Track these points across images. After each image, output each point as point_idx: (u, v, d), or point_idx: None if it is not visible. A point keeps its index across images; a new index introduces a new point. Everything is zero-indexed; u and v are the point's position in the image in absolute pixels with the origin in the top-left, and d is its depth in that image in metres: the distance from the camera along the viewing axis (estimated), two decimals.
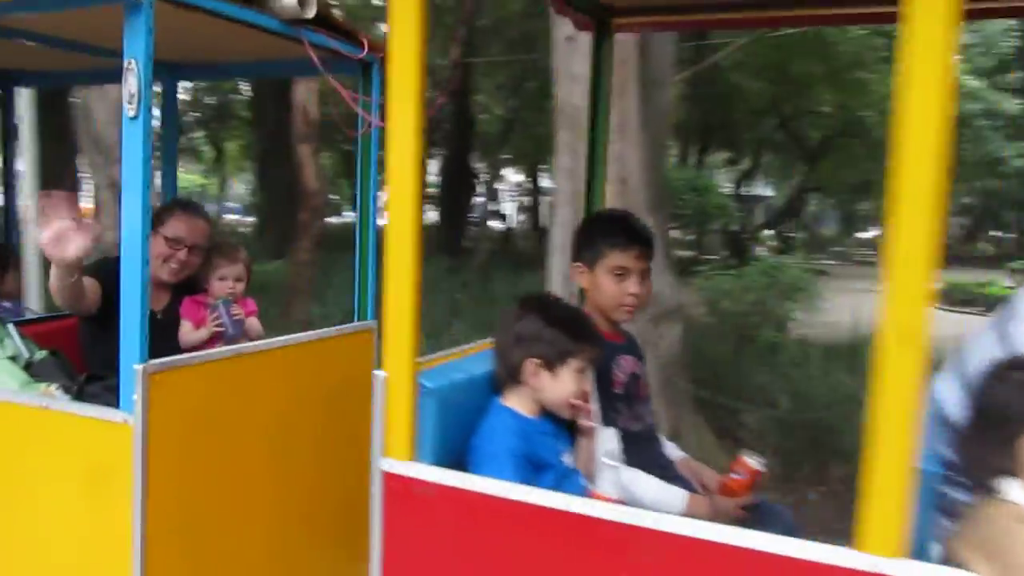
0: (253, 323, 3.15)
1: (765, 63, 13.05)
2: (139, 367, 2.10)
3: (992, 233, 34.80)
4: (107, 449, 2.16)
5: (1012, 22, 16.89)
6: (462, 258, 14.85)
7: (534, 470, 1.92)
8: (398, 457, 1.73)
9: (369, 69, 2.94)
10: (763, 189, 31.92)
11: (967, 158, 19.15)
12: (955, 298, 15.44)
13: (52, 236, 2.33)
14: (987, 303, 14.00)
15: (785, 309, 6.50)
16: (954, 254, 27.67)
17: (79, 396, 2.63)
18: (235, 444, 2.48)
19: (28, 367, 2.84)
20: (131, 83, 2.00)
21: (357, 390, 2.92)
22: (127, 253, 2.10)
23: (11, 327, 2.98)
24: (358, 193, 3.10)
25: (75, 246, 2.36)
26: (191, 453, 2.31)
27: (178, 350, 2.91)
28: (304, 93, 8.02)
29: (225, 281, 3.10)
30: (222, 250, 3.16)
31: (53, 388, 2.67)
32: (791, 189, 23.78)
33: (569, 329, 2.03)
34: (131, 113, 2.02)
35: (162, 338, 2.82)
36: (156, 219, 2.98)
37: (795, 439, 4.91)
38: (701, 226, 14.73)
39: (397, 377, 1.72)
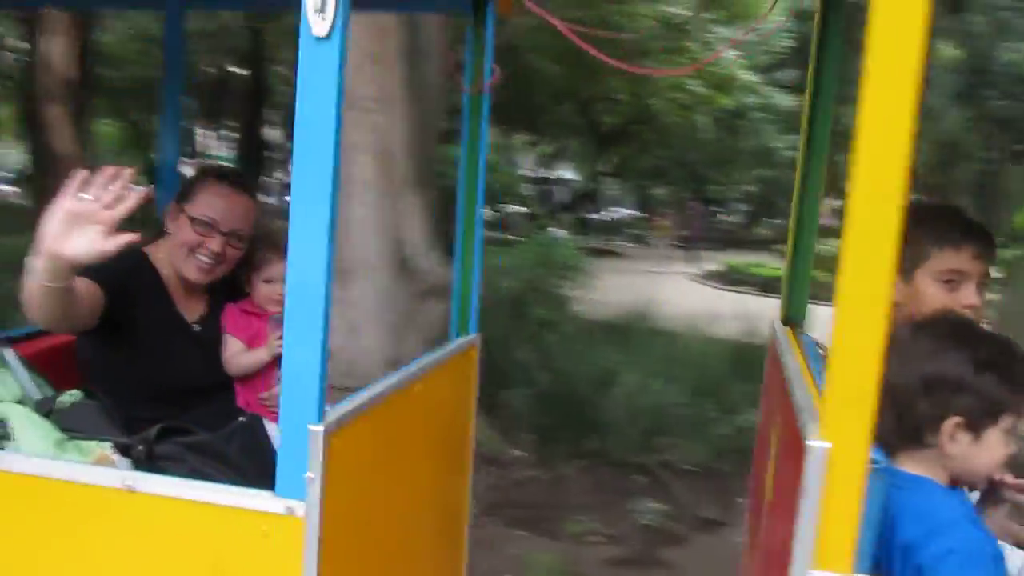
0: None
1: (564, 47, 13.33)
2: (317, 429, 1.34)
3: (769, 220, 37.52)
4: (256, 555, 1.40)
5: (789, 22, 18.21)
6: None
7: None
8: (837, 570, 1.16)
9: (483, 6, 2.29)
10: (569, 172, 32.88)
11: (745, 148, 20.54)
12: (731, 278, 16.52)
13: (63, 216, 1.57)
14: (758, 283, 15.03)
15: (556, 287, 6.67)
16: (736, 238, 29.77)
17: (149, 461, 1.83)
18: (395, 509, 1.89)
19: (48, 415, 1.94)
20: None
21: (463, 412, 2.45)
22: (298, 247, 1.34)
23: (11, 354, 2.05)
24: (463, 173, 2.37)
25: (88, 243, 1.59)
26: (364, 535, 1.67)
27: (224, 379, 2.28)
28: (61, 46, 7.34)
29: (273, 285, 2.30)
30: (269, 239, 2.30)
31: (108, 450, 1.82)
32: (591, 173, 24.58)
33: (1004, 372, 1.45)
34: (320, 31, 1.30)
35: (203, 361, 2.25)
36: (182, 193, 2.26)
37: (553, 415, 5.04)
38: (490, 205, 14.89)
39: (848, 452, 1.14)
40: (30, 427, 1.83)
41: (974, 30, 19.76)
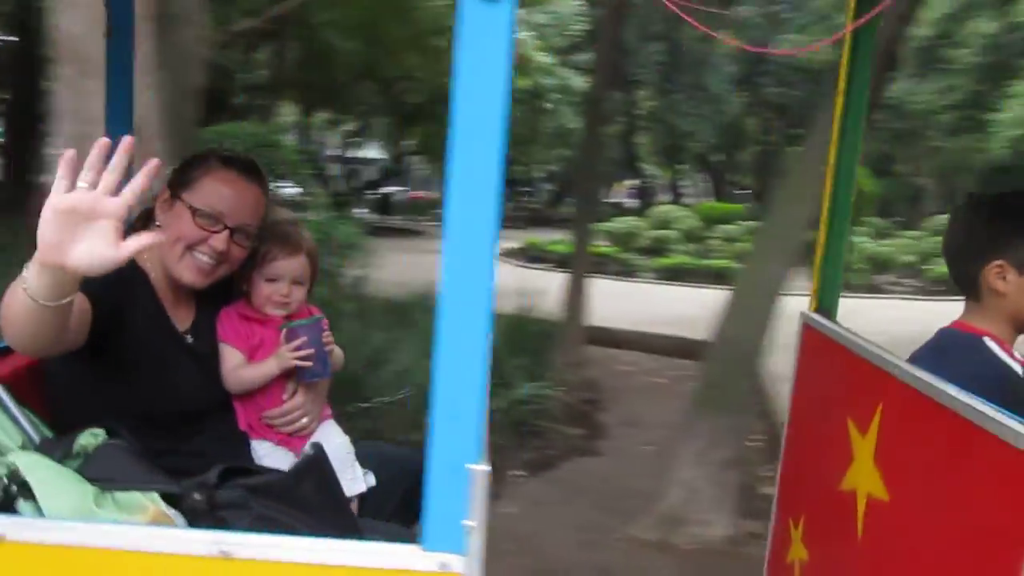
0: (335, 352, 2.07)
1: (358, 22, 13.15)
2: (480, 468, 1.12)
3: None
4: None
5: (584, 6, 18.85)
6: (36, 217, 13.20)
7: None
8: None
9: None
10: (375, 152, 32.58)
11: (545, 129, 21.13)
12: (530, 255, 16.98)
13: (58, 215, 1.20)
14: (555, 260, 15.50)
15: (335, 266, 6.61)
16: (539, 217, 30.61)
17: (212, 513, 1.51)
18: None
19: (61, 461, 1.54)
20: None
21: None
22: (457, 248, 1.08)
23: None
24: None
25: (95, 248, 1.23)
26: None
27: (224, 397, 1.95)
28: None
29: (276, 284, 1.97)
30: (274, 231, 1.99)
31: (163, 506, 1.49)
32: (396, 152, 24.50)
33: None
34: None
35: (201, 378, 1.91)
36: (179, 178, 1.88)
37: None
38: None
39: None
40: (56, 481, 1.44)
41: (751, 21, 21.20)
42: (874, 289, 14.76)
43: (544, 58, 16.15)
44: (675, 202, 24.30)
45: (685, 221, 16.94)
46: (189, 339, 1.92)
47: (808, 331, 2.26)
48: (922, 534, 1.54)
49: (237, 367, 1.93)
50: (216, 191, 1.84)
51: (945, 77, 21.59)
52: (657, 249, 15.80)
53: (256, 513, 1.51)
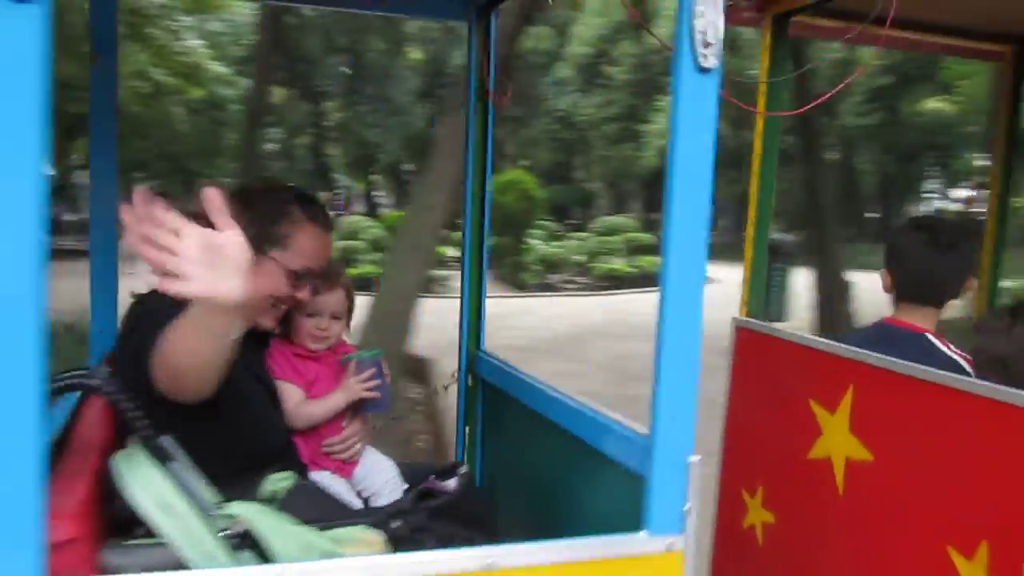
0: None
1: None
2: (695, 459, 1.31)
3: None
4: None
5: (259, 17, 18.33)
6: None
7: None
8: None
9: (487, 13, 2.28)
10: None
11: (230, 141, 20.29)
12: None
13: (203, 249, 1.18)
14: None
15: None
16: None
17: (411, 537, 1.64)
18: None
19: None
20: (709, 15, 1.23)
21: None
22: (675, 275, 1.27)
23: (170, 442, 1.45)
24: (468, 189, 2.34)
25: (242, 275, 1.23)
26: None
27: (288, 432, 1.92)
28: None
29: (316, 319, 1.99)
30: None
31: (371, 533, 1.55)
32: (62, 168, 22.33)
33: None
34: (707, 63, 1.24)
35: (274, 409, 1.91)
36: (265, 233, 1.77)
37: None
38: None
39: None
40: (279, 525, 1.44)
41: (433, 35, 21.86)
42: (547, 288, 15.90)
43: (220, 68, 15.48)
44: (370, 212, 24.42)
45: (371, 231, 17.12)
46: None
47: (743, 332, 2.58)
48: (909, 482, 1.84)
49: (300, 404, 1.96)
50: (310, 251, 1.84)
51: (605, 92, 23.70)
52: (345, 260, 15.76)
53: (439, 533, 1.67)
